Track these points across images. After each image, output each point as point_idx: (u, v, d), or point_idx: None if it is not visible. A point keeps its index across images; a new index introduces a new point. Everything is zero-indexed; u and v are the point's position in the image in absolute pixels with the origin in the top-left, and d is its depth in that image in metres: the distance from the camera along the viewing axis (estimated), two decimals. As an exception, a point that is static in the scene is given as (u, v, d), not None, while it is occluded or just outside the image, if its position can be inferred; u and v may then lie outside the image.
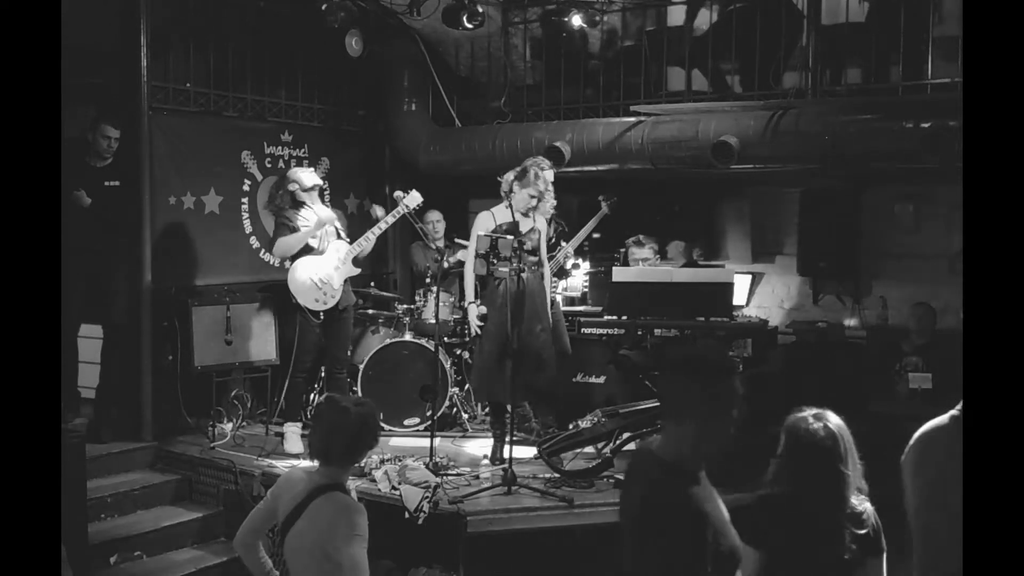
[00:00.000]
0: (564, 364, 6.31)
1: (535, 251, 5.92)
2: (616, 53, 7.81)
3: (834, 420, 2.97)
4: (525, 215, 5.89)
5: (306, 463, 5.66)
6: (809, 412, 2.98)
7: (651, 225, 7.27)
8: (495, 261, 5.53)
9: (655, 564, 2.41)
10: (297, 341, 6.19)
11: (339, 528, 3.16)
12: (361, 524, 3.19)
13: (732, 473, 5.25)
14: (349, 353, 6.73)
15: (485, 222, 5.88)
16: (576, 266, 7.66)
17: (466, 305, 5.94)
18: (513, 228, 5.82)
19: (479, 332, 5.83)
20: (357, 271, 6.36)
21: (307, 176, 6.26)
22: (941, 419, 2.81)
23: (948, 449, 2.60)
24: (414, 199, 6.22)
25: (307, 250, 6.16)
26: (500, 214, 5.89)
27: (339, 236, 6.30)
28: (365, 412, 3.35)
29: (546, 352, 5.89)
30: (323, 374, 6.65)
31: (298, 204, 6.18)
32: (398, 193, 6.29)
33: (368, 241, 6.31)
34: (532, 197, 5.82)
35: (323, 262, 6.16)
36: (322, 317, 6.17)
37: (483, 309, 5.81)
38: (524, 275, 5.71)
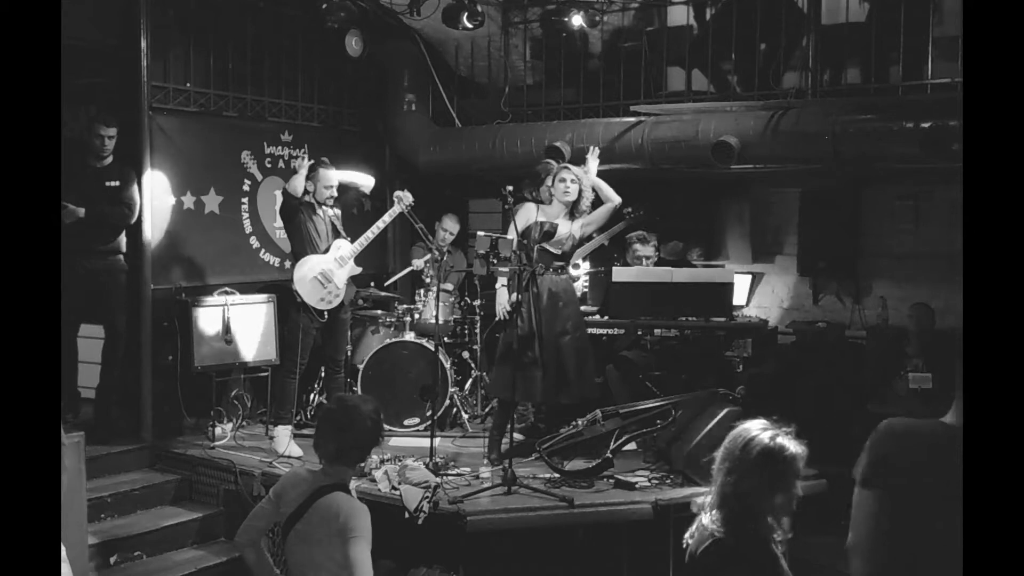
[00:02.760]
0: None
1: (563, 255, 5.94)
2: (616, 53, 7.82)
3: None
4: (566, 216, 5.92)
5: (298, 463, 5.67)
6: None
7: (651, 225, 7.26)
8: (495, 261, 5.53)
9: None
10: (292, 342, 6.19)
11: (342, 529, 3.16)
12: (364, 525, 3.19)
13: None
14: (348, 353, 6.74)
15: (529, 213, 5.80)
16: (576, 266, 7.67)
17: (497, 288, 5.86)
18: (552, 230, 5.84)
19: (506, 317, 5.77)
20: (359, 269, 6.39)
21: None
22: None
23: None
24: (407, 198, 6.25)
25: (311, 249, 6.18)
26: (546, 211, 5.87)
27: (339, 234, 6.31)
28: (373, 411, 3.37)
29: (572, 359, 5.85)
30: (322, 374, 6.65)
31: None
32: (398, 193, 6.31)
33: (368, 240, 6.33)
34: (564, 184, 5.86)
35: (326, 261, 6.18)
36: (326, 317, 6.18)
37: (516, 296, 5.69)
38: (554, 276, 5.76)
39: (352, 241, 6.32)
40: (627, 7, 7.81)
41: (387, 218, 6.34)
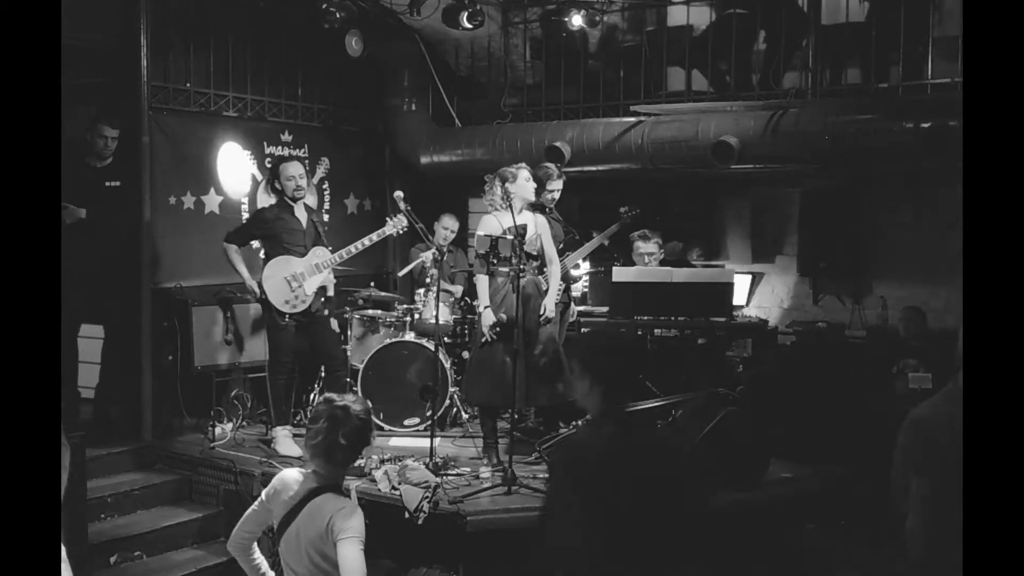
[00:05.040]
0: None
1: (538, 255, 5.88)
2: (616, 53, 7.82)
3: None
4: (524, 211, 5.84)
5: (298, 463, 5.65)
6: None
7: (653, 223, 7.26)
8: (495, 261, 5.52)
9: None
10: (269, 341, 6.18)
11: (335, 529, 3.16)
12: (357, 525, 3.19)
13: (739, 472, 5.30)
14: (348, 352, 6.73)
15: (490, 225, 5.77)
16: (577, 266, 7.66)
17: (481, 310, 5.76)
18: (522, 231, 5.73)
19: (493, 338, 5.65)
20: (333, 281, 6.34)
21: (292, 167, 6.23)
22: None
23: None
24: (399, 223, 6.27)
25: (283, 250, 6.13)
26: (503, 219, 5.76)
27: (321, 242, 6.27)
28: (362, 411, 3.35)
29: (546, 363, 5.80)
30: (323, 374, 6.63)
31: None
32: (398, 193, 6.30)
33: (349, 254, 6.30)
34: (528, 181, 5.79)
35: (301, 264, 6.13)
36: (287, 319, 6.11)
37: (503, 316, 5.62)
38: (529, 277, 5.71)
39: (333, 251, 6.27)
40: (627, 7, 7.82)
41: (375, 236, 6.32)
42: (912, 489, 2.81)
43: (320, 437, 3.30)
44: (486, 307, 5.69)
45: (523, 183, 5.79)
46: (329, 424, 3.28)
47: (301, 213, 6.23)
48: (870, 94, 6.59)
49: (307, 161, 7.77)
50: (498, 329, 5.64)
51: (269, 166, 6.26)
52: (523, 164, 5.94)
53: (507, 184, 5.73)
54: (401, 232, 6.35)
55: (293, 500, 3.28)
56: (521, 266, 5.52)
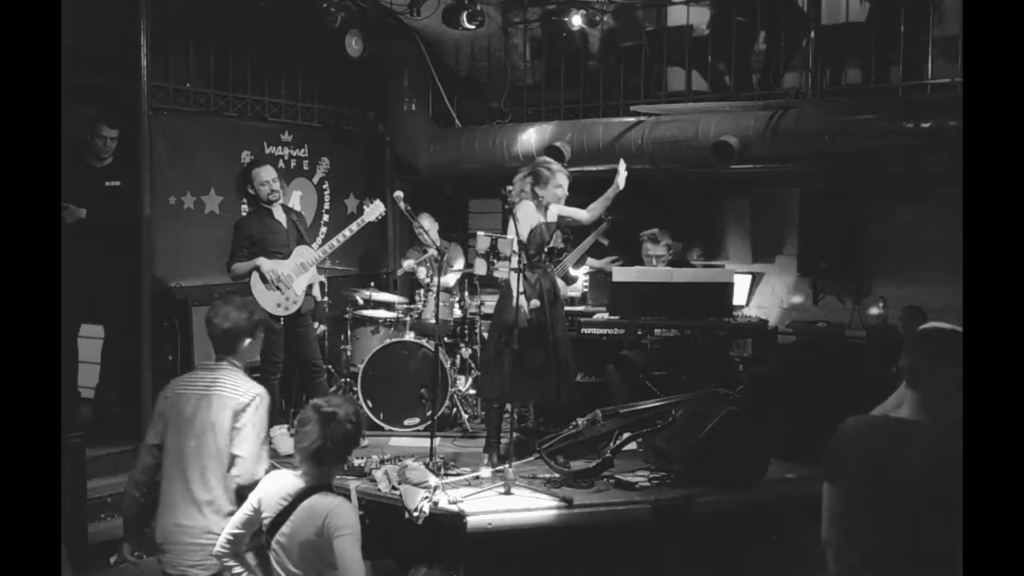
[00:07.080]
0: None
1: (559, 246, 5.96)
2: (616, 53, 7.83)
3: None
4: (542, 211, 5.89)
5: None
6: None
7: (653, 224, 7.26)
8: (495, 261, 5.51)
9: None
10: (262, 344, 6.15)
11: (329, 527, 3.17)
12: (351, 521, 3.20)
13: (737, 473, 5.29)
14: (348, 353, 6.72)
15: (531, 213, 5.74)
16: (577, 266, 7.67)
17: (520, 302, 5.55)
18: (553, 227, 5.82)
19: (527, 324, 5.59)
20: (321, 278, 6.34)
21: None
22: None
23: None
24: (377, 209, 6.26)
25: (272, 254, 6.10)
26: (538, 214, 5.82)
27: (303, 240, 6.26)
28: (352, 413, 3.36)
29: (567, 357, 5.84)
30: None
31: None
32: (398, 193, 6.29)
33: (332, 248, 6.29)
34: (559, 187, 5.81)
35: (286, 266, 6.11)
36: (282, 322, 6.11)
37: (536, 302, 5.62)
38: (552, 274, 5.78)
39: (316, 248, 6.26)
40: (627, 7, 7.82)
41: (354, 227, 6.30)
42: (823, 497, 2.79)
43: (308, 441, 3.31)
44: (521, 292, 5.58)
45: (553, 190, 5.82)
46: (316, 429, 3.30)
47: (280, 215, 6.21)
48: (870, 94, 6.59)
49: (307, 161, 7.77)
50: (532, 318, 5.61)
51: (243, 168, 6.21)
52: (559, 167, 5.93)
53: (536, 188, 5.78)
54: (380, 218, 6.34)
55: (285, 500, 3.28)
56: (549, 264, 5.56)
